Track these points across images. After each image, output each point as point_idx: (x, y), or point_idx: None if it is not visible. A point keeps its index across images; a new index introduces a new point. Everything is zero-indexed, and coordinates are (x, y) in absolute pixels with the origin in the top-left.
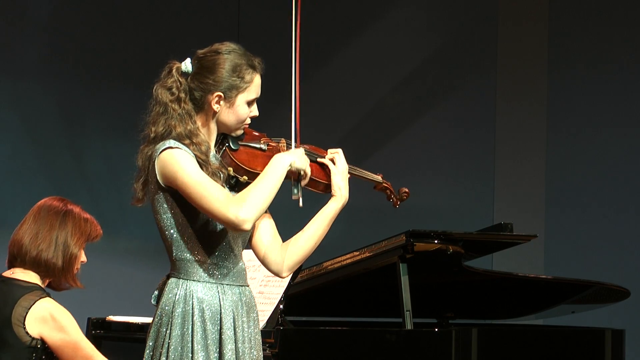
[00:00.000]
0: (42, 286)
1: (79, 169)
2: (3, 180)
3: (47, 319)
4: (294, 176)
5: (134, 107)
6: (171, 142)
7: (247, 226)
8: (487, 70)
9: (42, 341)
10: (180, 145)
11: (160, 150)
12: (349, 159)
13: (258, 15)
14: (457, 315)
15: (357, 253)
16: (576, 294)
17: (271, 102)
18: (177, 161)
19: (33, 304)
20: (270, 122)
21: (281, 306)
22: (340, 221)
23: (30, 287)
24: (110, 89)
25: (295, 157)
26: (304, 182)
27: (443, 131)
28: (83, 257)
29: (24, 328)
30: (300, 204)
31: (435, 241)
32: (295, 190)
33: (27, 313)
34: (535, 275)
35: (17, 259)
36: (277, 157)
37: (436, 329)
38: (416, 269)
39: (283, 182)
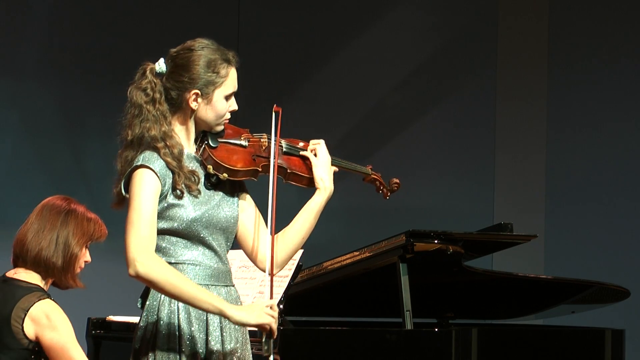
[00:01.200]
0: (44, 287)
1: (79, 168)
2: (3, 180)
3: (42, 318)
4: (263, 330)
5: None
6: (142, 159)
7: (130, 272)
8: (487, 70)
9: (39, 342)
10: (151, 162)
11: (133, 168)
12: (350, 158)
13: (258, 16)
14: (457, 315)
15: (357, 253)
16: (576, 294)
17: (272, 101)
18: (137, 183)
19: (32, 305)
20: (269, 122)
21: (281, 306)
22: (340, 221)
23: (30, 288)
24: (110, 88)
25: (240, 314)
26: (273, 338)
27: (443, 131)
28: (87, 257)
29: (22, 330)
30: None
31: (435, 241)
32: (265, 347)
33: (25, 315)
34: (535, 275)
35: (19, 259)
36: (221, 301)
37: (436, 329)
38: (416, 269)
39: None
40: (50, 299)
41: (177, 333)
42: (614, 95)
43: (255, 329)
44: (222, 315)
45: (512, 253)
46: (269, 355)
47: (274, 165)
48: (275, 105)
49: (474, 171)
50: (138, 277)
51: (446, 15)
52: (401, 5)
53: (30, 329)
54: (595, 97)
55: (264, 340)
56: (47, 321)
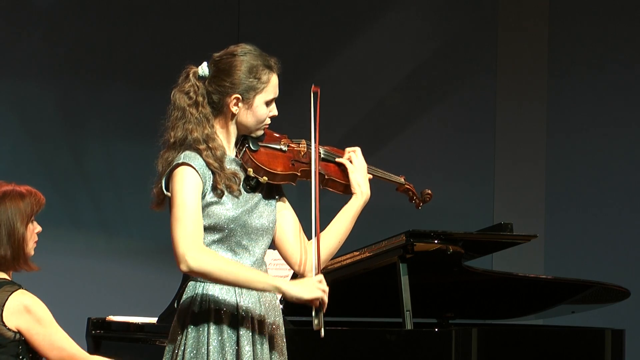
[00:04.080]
0: (10, 279)
1: (79, 169)
2: (3, 180)
3: (23, 311)
4: (314, 304)
5: (134, 107)
6: (184, 157)
7: (183, 267)
8: (487, 70)
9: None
10: (193, 160)
11: (174, 166)
12: None
13: (258, 16)
14: (457, 315)
15: (357, 253)
16: (576, 294)
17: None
18: (178, 180)
19: (7, 299)
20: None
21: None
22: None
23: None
24: (110, 89)
25: (295, 289)
26: (323, 312)
27: (443, 131)
28: (37, 228)
29: (4, 324)
30: (322, 334)
31: (435, 241)
32: (316, 321)
33: (2, 310)
34: (535, 275)
35: None
36: (276, 278)
37: (436, 329)
38: (416, 269)
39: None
40: (22, 288)
41: (206, 333)
42: (613, 96)
43: (308, 304)
44: (278, 291)
45: (512, 253)
46: (320, 329)
47: (315, 150)
48: (313, 86)
49: (474, 171)
50: (191, 272)
51: (446, 18)
52: (401, 8)
53: (11, 322)
54: (595, 97)
55: (314, 314)
56: (29, 315)
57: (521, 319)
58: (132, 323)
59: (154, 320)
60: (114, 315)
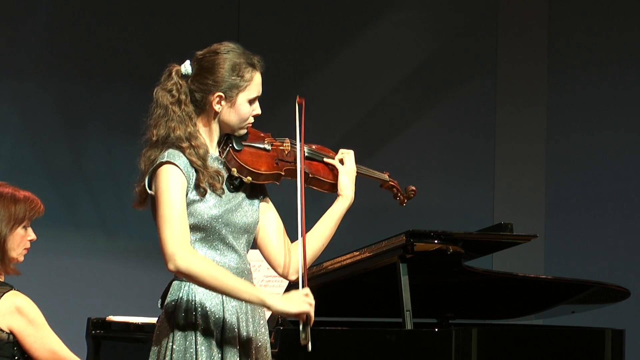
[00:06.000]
0: (1, 280)
1: (79, 169)
2: (3, 180)
3: (15, 312)
4: (301, 318)
5: (133, 107)
6: (167, 156)
7: (171, 267)
8: (487, 71)
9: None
10: (176, 159)
11: (157, 164)
12: None
13: (258, 16)
14: (457, 315)
15: (357, 253)
16: (576, 294)
17: (271, 101)
18: (163, 179)
19: None
20: (270, 122)
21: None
22: (341, 221)
23: None
24: (110, 89)
25: (280, 303)
26: (310, 325)
27: (443, 131)
28: (31, 236)
29: None
30: (309, 348)
31: (435, 241)
32: (303, 335)
33: None
34: (535, 275)
35: None
36: (262, 290)
37: (436, 329)
38: (416, 269)
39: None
40: (14, 289)
41: (193, 333)
42: (613, 96)
43: (295, 318)
44: (263, 305)
45: (512, 253)
46: (307, 343)
47: (300, 159)
48: (298, 97)
49: (474, 171)
50: (179, 272)
51: (446, 17)
52: (401, 7)
53: (3, 323)
54: (594, 98)
55: (301, 328)
56: (21, 316)
57: (521, 319)
58: (132, 323)
59: (154, 320)
60: (114, 315)
